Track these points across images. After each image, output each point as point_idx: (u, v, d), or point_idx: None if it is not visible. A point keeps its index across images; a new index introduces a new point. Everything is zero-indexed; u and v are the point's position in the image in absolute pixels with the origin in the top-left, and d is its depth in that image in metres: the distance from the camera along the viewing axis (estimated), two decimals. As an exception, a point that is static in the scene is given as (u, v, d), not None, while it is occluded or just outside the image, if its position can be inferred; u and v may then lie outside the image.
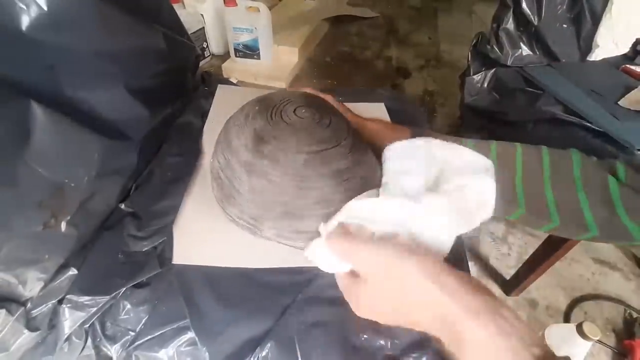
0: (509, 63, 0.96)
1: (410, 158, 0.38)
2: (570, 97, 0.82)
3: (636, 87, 0.82)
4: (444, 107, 1.47)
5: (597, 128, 0.75)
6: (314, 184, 0.38)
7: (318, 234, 0.40)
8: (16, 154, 0.33)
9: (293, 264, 0.44)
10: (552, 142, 0.80)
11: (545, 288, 1.14)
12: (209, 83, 0.74)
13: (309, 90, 0.52)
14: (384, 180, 0.37)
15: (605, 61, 0.96)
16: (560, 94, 0.83)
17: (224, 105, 0.68)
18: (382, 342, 0.39)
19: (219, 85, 0.73)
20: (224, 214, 0.43)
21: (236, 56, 0.93)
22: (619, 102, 0.79)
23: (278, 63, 0.95)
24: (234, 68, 0.92)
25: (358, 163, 0.41)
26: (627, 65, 0.92)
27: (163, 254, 0.43)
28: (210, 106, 0.67)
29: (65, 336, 0.38)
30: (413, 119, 0.72)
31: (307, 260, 0.42)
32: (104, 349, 0.39)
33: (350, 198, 0.39)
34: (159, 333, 0.39)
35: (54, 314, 0.39)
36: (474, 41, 1.02)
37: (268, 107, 0.42)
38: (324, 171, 0.39)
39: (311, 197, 0.38)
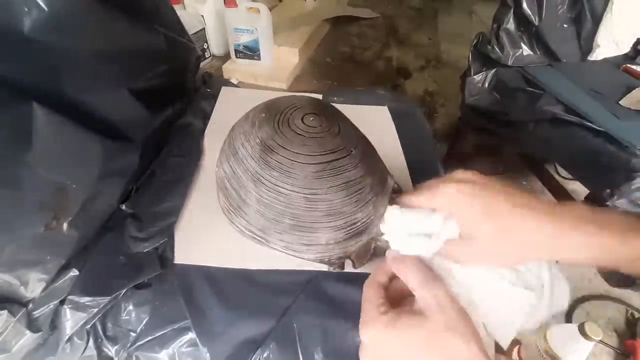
0: (509, 63, 0.96)
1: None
2: (571, 96, 0.82)
3: (637, 87, 0.81)
4: (444, 108, 1.47)
5: (597, 128, 0.75)
6: (324, 195, 0.37)
7: (327, 247, 0.39)
8: (18, 155, 0.33)
9: (294, 265, 0.44)
10: (553, 141, 0.80)
11: (547, 288, 1.13)
12: (209, 84, 0.74)
13: None
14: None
15: (605, 61, 0.96)
16: (561, 94, 0.83)
17: (227, 107, 0.68)
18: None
19: (223, 87, 0.73)
20: (231, 225, 0.43)
21: (237, 57, 0.93)
22: (619, 102, 0.79)
23: (279, 64, 0.96)
24: (235, 69, 0.93)
25: (368, 172, 0.40)
26: (628, 65, 0.91)
27: (164, 255, 0.43)
28: (211, 107, 0.67)
29: (67, 337, 0.38)
30: (413, 120, 0.73)
31: (308, 261, 0.43)
32: (105, 349, 0.39)
33: (360, 209, 0.39)
34: (159, 334, 0.39)
35: (56, 314, 0.39)
36: (475, 41, 1.02)
37: (275, 114, 0.41)
38: (334, 183, 0.38)
39: (320, 209, 0.38)
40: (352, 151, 0.40)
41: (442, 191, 0.31)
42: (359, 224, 0.39)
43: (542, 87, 0.87)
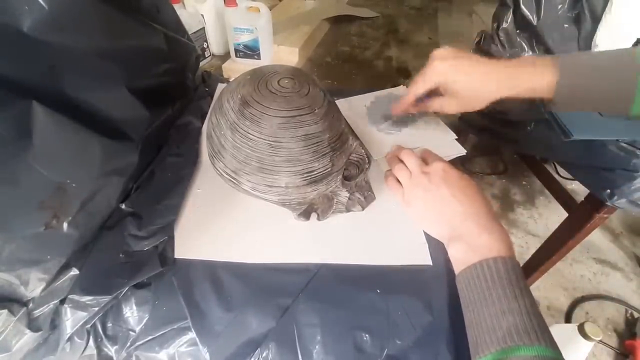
0: (509, 63, 0.96)
1: None
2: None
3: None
4: (444, 107, 1.47)
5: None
6: (285, 144, 0.44)
7: (286, 190, 0.46)
8: (17, 154, 0.33)
9: (293, 260, 0.44)
10: (552, 141, 0.80)
11: (547, 288, 1.14)
12: (209, 83, 0.74)
13: None
14: None
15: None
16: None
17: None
18: (383, 342, 0.39)
19: (219, 84, 0.73)
20: (213, 169, 0.50)
21: (236, 56, 0.93)
22: None
23: (278, 63, 0.95)
24: (235, 68, 0.93)
25: (328, 129, 0.47)
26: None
27: (164, 253, 0.43)
28: (209, 106, 0.67)
29: (67, 336, 0.38)
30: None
31: (306, 254, 0.44)
32: (105, 349, 0.39)
33: (317, 160, 0.46)
34: (159, 333, 0.39)
35: (56, 314, 0.39)
36: (477, 39, 1.02)
37: (257, 76, 0.48)
38: (295, 134, 0.44)
39: (281, 155, 0.44)
40: (315, 110, 0.46)
41: (432, 72, 0.51)
42: (315, 172, 0.46)
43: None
